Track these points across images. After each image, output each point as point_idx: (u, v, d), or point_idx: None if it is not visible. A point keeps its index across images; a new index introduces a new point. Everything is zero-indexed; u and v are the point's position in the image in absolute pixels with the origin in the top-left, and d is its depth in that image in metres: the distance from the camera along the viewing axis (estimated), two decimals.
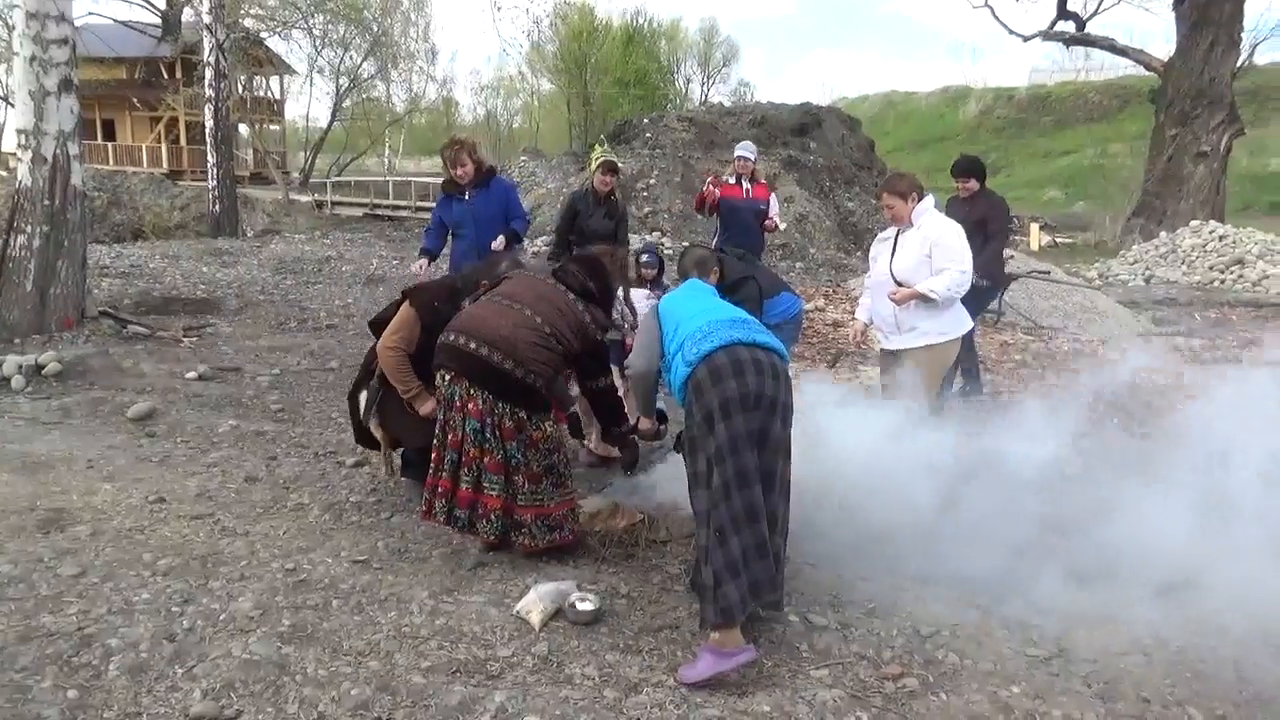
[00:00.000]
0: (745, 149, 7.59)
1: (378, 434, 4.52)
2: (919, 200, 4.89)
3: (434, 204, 6.61)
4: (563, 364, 3.91)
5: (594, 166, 6.48)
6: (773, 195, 7.65)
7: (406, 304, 4.33)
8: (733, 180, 7.49)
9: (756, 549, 3.17)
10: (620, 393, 4.37)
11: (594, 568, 3.91)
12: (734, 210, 7.39)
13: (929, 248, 4.81)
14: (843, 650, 3.30)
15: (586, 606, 3.42)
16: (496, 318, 3.82)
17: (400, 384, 4.25)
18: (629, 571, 3.85)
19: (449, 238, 6.33)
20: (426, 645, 3.21)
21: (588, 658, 3.18)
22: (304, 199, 28.79)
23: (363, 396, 4.52)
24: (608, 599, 3.57)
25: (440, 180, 6.77)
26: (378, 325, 4.45)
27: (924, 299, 4.80)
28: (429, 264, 6.33)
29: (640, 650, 3.25)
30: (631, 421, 4.26)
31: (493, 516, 3.82)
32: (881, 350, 5.22)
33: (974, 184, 6.63)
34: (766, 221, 7.40)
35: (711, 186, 7.44)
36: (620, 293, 4.90)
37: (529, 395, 3.78)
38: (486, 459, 3.79)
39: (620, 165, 6.71)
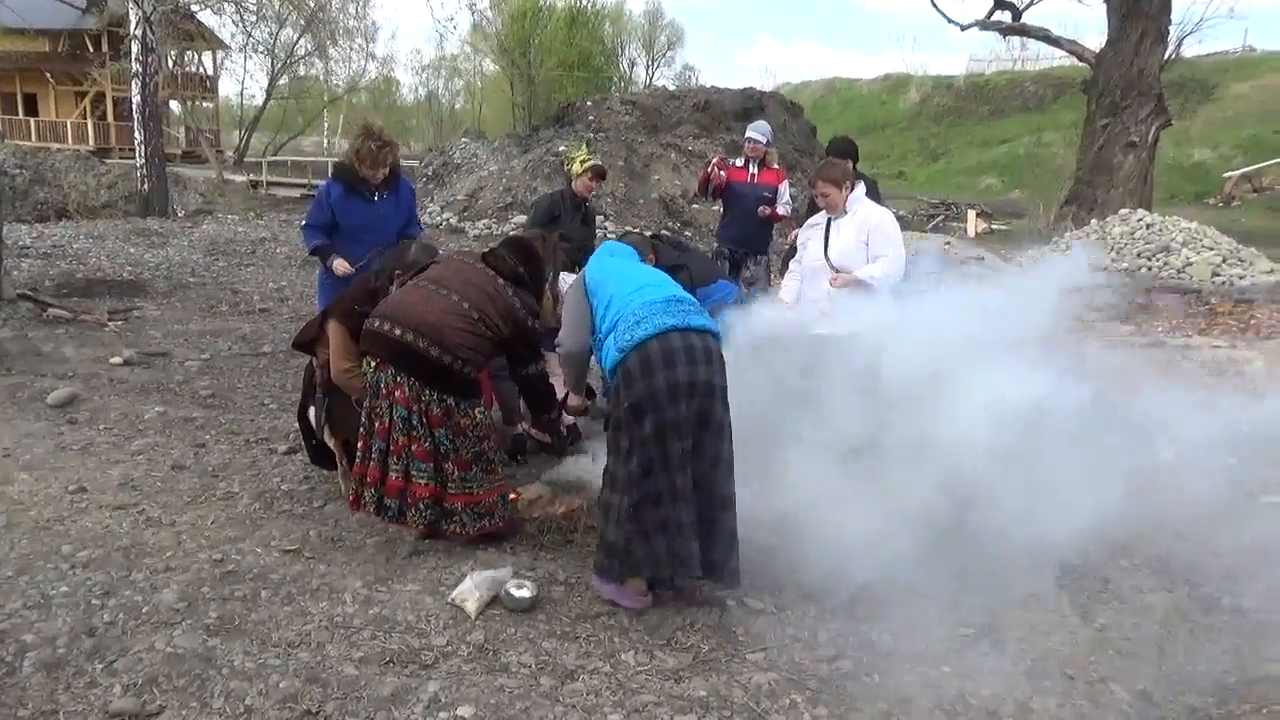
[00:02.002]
0: (756, 130, 7.16)
1: (335, 447, 4.40)
2: (853, 188, 4.93)
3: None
4: (492, 350, 3.86)
5: (580, 169, 5.95)
6: (784, 183, 7.16)
7: (334, 323, 4.17)
8: (740, 163, 7.14)
9: (676, 527, 3.23)
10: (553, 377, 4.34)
11: (531, 554, 3.88)
12: (737, 197, 7.02)
13: (865, 234, 4.84)
14: (779, 634, 3.32)
15: (523, 594, 3.39)
16: (423, 303, 3.75)
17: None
18: (567, 558, 3.83)
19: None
20: (359, 635, 3.15)
21: (524, 645, 3.15)
22: (239, 179, 28.03)
23: (311, 412, 4.41)
24: (545, 586, 3.54)
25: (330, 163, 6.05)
26: (303, 345, 4.43)
27: (862, 285, 4.83)
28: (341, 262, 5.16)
29: (577, 637, 3.24)
30: (568, 403, 4.24)
31: (421, 505, 3.76)
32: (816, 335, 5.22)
33: (848, 165, 6.14)
34: (761, 208, 6.90)
35: (717, 168, 7.01)
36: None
37: (457, 382, 3.72)
38: (414, 446, 3.72)
39: (574, 167, 6.23)
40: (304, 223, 5.26)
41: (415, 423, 3.71)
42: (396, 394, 3.70)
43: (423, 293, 3.82)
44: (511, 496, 4.13)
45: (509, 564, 3.66)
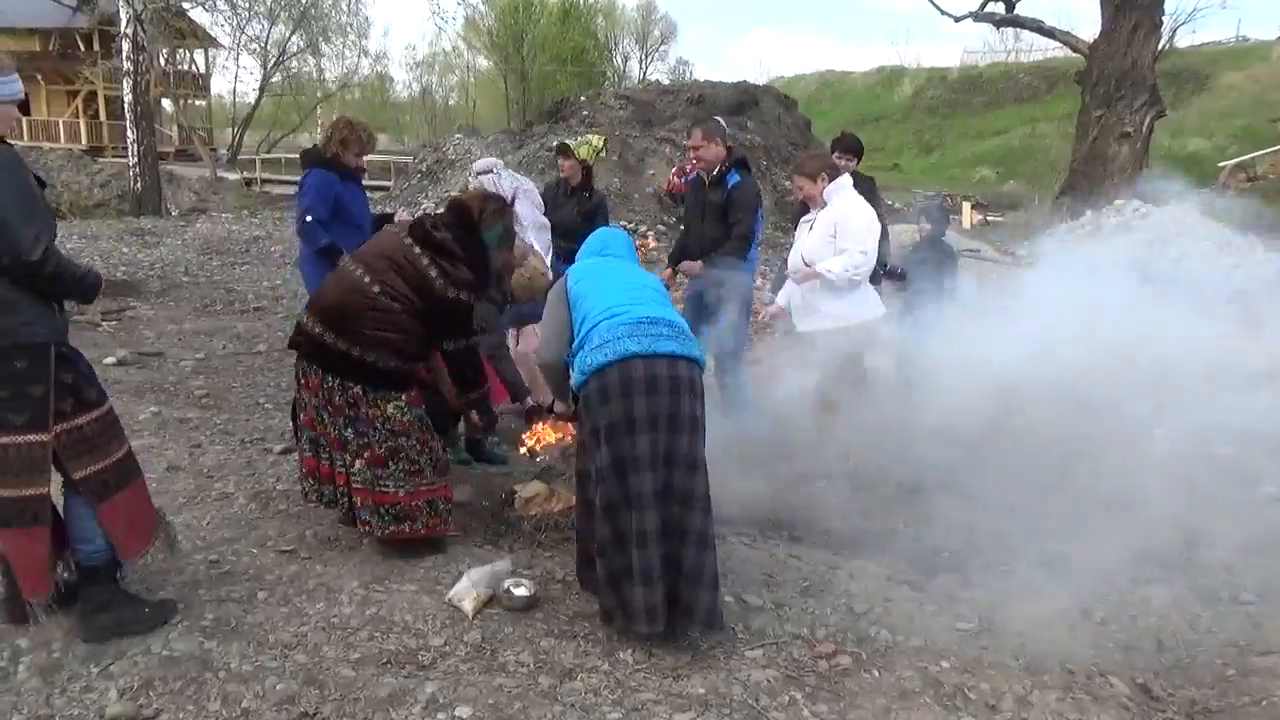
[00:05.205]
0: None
1: None
2: (829, 179, 4.89)
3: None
4: (410, 326, 3.54)
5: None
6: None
7: None
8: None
9: (643, 574, 3.03)
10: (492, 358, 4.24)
11: (529, 553, 3.87)
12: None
13: (834, 228, 4.81)
14: (777, 630, 3.31)
15: (521, 592, 3.37)
16: (332, 286, 3.64)
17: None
18: (565, 556, 3.81)
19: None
20: (356, 636, 3.13)
21: (522, 645, 3.14)
22: (232, 176, 27.98)
23: None
24: (543, 585, 3.53)
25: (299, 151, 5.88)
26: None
27: (826, 280, 4.79)
28: None
29: (575, 636, 3.22)
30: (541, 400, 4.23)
31: (340, 493, 3.69)
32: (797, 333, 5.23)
33: (855, 164, 6.04)
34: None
35: (675, 176, 7.07)
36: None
37: (363, 369, 3.51)
38: (328, 436, 3.65)
39: (588, 148, 6.22)
40: (306, 218, 4.98)
41: (323, 413, 3.61)
42: (310, 382, 3.62)
43: (336, 274, 3.70)
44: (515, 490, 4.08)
45: (506, 563, 3.64)
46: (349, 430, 3.58)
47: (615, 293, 3.33)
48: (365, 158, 5.16)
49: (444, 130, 40.20)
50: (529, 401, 4.69)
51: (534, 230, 6.11)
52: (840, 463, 4.70)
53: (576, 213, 6.05)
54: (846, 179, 4.96)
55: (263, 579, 3.51)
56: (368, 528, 3.64)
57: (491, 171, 6.45)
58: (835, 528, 4.32)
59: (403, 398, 3.59)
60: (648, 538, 3.04)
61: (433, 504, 3.67)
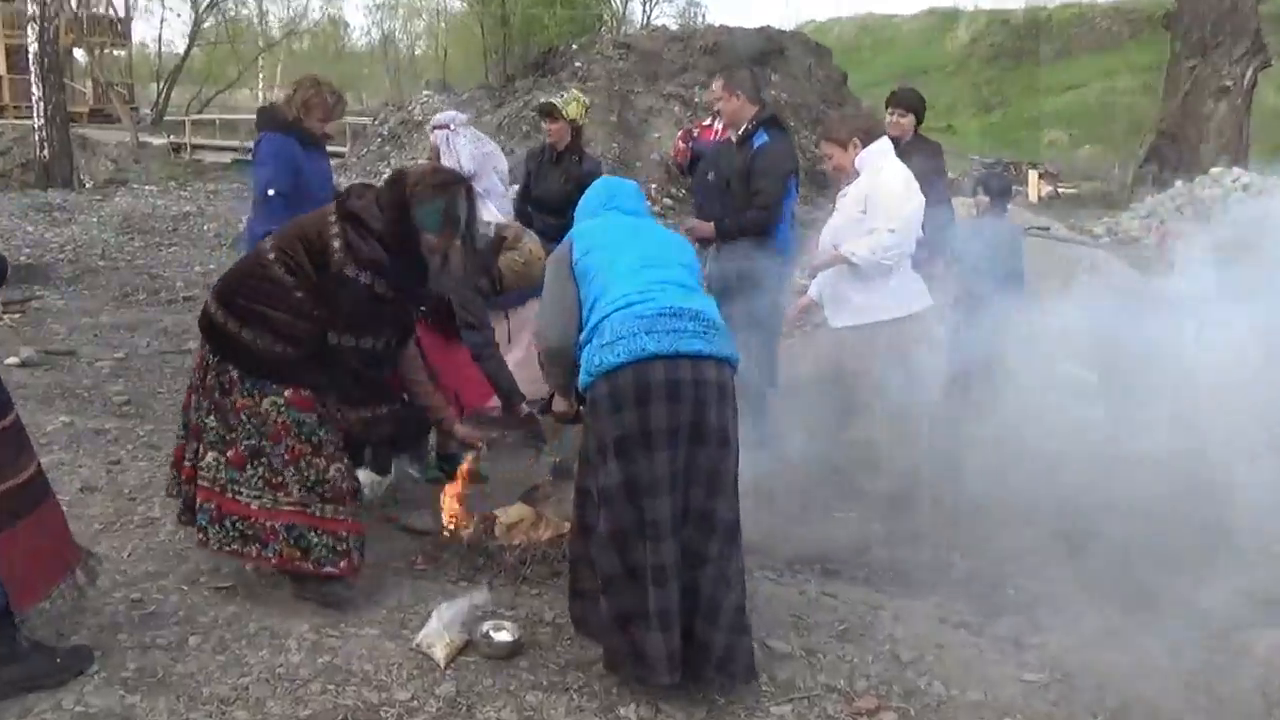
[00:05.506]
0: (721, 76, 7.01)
1: None
2: (864, 144, 4.81)
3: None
4: (303, 304, 3.43)
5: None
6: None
7: None
8: (709, 121, 6.96)
9: (659, 616, 3.01)
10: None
11: (512, 589, 3.87)
12: (695, 165, 6.56)
13: (865, 203, 4.73)
14: (809, 681, 3.32)
15: (503, 637, 3.38)
16: (239, 260, 3.73)
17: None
18: (555, 593, 3.80)
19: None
20: (307, 689, 3.14)
21: (504, 699, 3.14)
22: (157, 141, 28.05)
23: None
24: (528, 628, 3.53)
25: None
26: None
27: (852, 266, 4.72)
28: None
29: (568, 688, 3.23)
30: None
31: (183, 489, 3.69)
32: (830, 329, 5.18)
33: (910, 121, 5.99)
34: (710, 174, 6.15)
35: (681, 140, 6.76)
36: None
37: (240, 352, 3.48)
38: (192, 420, 3.66)
39: (578, 104, 6.14)
40: (269, 191, 4.99)
41: (197, 395, 3.63)
42: (199, 361, 3.67)
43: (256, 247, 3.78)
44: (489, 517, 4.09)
45: (485, 601, 3.64)
46: (211, 417, 3.53)
47: (631, 272, 3.26)
48: (335, 123, 5.20)
49: (409, 86, 40.30)
50: (523, 409, 4.70)
51: (495, 201, 6.13)
52: (880, 482, 4.70)
53: (564, 181, 6.00)
54: (884, 144, 4.86)
55: (195, 621, 3.52)
56: (203, 538, 3.56)
57: (448, 127, 6.43)
58: (877, 559, 4.32)
59: (285, 394, 3.48)
60: (666, 573, 3.02)
61: (295, 532, 3.51)
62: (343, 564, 3.55)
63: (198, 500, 3.56)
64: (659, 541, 3.02)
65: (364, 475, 4.41)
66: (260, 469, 3.49)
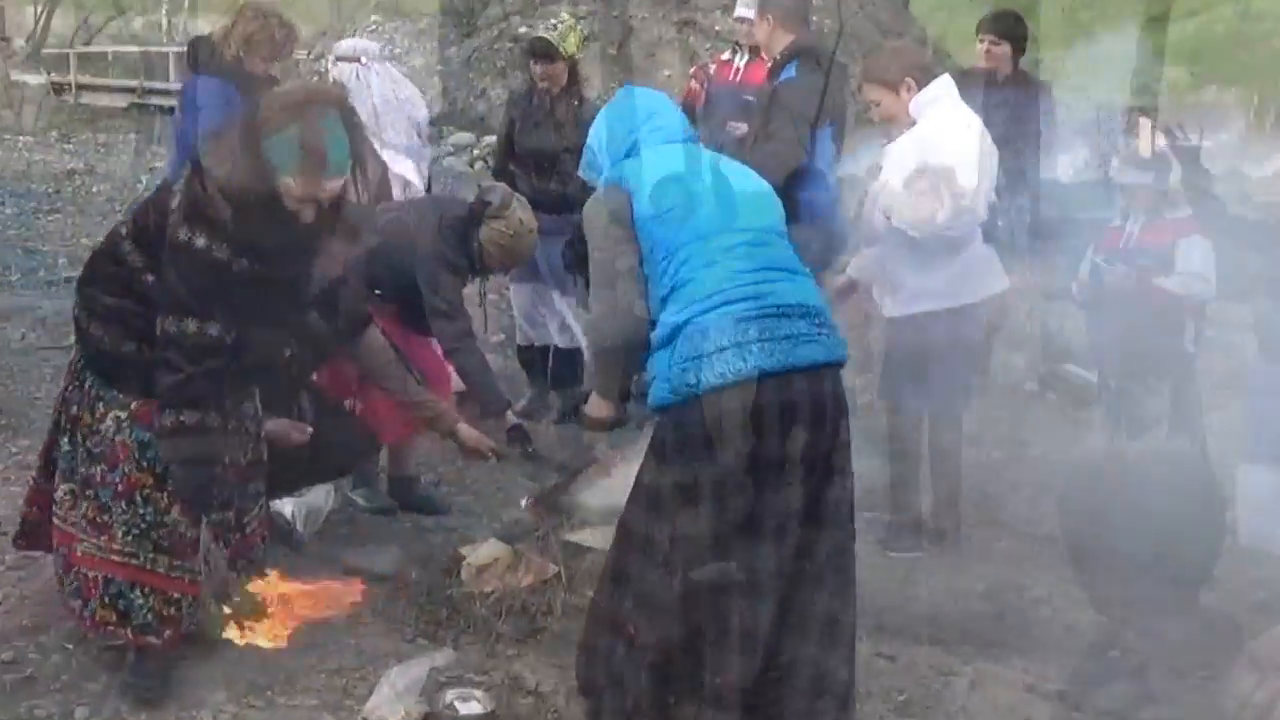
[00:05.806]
0: (745, 2, 6.66)
1: None
2: (919, 86, 4.80)
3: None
4: (143, 283, 3.31)
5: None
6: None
7: None
8: (726, 54, 6.98)
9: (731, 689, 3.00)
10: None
11: (484, 647, 3.88)
12: (708, 109, 6.68)
13: (923, 160, 4.69)
14: None
15: (471, 709, 3.39)
16: None
17: None
18: (536, 653, 3.82)
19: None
20: None
21: None
22: (34, 80, 28.04)
23: None
24: (504, 696, 3.54)
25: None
26: None
27: (909, 239, 4.71)
28: None
29: None
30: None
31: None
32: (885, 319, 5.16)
33: (1005, 51, 6.03)
34: (731, 124, 6.12)
35: (694, 80, 6.87)
36: None
37: (91, 353, 3.46)
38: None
39: (574, 38, 6.14)
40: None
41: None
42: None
43: None
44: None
45: (449, 663, 3.64)
46: (65, 437, 3.50)
47: (726, 251, 3.09)
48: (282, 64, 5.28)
49: (355, 12, 40.26)
50: (510, 418, 4.72)
51: (406, 157, 6.16)
52: (949, 513, 4.70)
53: (558, 132, 5.99)
54: (944, 84, 4.81)
55: (82, 689, 3.52)
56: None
57: (357, 60, 6.42)
58: (946, 612, 4.32)
59: (131, 407, 3.37)
60: (757, 640, 2.99)
61: (113, 587, 3.42)
62: (167, 634, 3.48)
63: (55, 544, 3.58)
64: (759, 602, 2.99)
65: (290, 505, 4.40)
66: (86, 502, 3.42)
